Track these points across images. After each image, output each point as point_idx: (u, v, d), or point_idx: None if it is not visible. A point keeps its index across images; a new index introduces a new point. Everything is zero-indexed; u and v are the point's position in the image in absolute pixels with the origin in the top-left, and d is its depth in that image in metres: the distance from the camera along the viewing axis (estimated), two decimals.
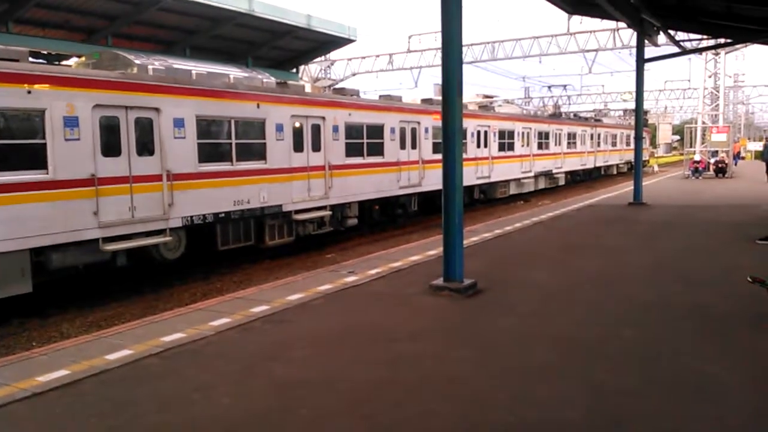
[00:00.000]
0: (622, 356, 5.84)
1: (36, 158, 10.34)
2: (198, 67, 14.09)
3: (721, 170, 32.78)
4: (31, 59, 11.06)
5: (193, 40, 24.04)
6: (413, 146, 20.43)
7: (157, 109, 12.15)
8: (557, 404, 4.81)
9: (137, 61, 12.72)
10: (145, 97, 11.99)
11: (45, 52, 19.90)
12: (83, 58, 13.57)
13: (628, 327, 6.74)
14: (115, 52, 13.45)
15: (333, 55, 37.41)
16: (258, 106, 14.39)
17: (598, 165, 40.77)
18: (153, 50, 22.11)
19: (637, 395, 4.92)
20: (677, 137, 74.54)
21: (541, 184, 31.70)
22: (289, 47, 27.94)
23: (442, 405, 4.84)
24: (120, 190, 11.51)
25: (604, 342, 6.27)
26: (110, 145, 11.39)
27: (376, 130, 18.63)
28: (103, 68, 12.21)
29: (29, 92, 10.17)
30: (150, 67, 12.76)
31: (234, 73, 14.88)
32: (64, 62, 13.52)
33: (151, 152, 12.07)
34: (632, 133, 29.02)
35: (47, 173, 10.44)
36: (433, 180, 20.34)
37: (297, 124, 15.54)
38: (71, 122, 10.73)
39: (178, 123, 12.54)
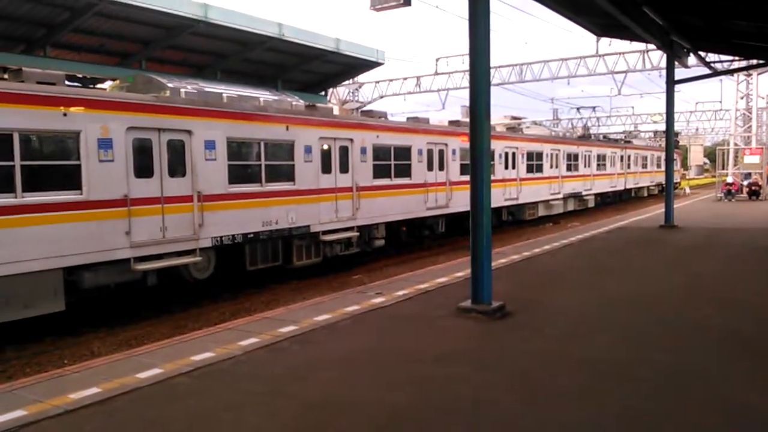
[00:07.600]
0: (654, 381, 5.72)
1: (70, 179, 10.57)
2: (229, 90, 14.33)
3: (754, 192, 32.21)
4: (66, 83, 11.33)
5: (224, 63, 24.48)
6: (440, 168, 20.43)
7: (188, 132, 12.36)
8: (586, 429, 4.73)
9: (170, 85, 12.97)
10: (178, 120, 12.22)
11: (80, 76, 20.39)
12: (117, 82, 13.89)
13: (660, 351, 6.62)
14: (148, 76, 13.73)
15: (361, 77, 37.73)
16: (287, 129, 14.56)
17: (628, 187, 40.38)
18: (185, 74, 22.58)
19: (670, 421, 4.82)
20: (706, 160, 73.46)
21: (570, 206, 31.44)
22: (318, 70, 28.27)
23: (468, 429, 4.79)
24: (152, 211, 11.69)
25: (635, 366, 6.16)
26: (143, 167, 11.60)
27: (404, 152, 18.70)
28: (136, 91, 12.47)
29: (65, 114, 10.43)
30: (182, 90, 13.02)
31: (264, 96, 15.10)
32: (98, 86, 13.88)
33: (182, 173, 12.26)
34: (663, 155, 28.69)
35: (81, 194, 10.66)
36: (460, 201, 20.31)
37: (325, 146, 15.67)
38: (105, 144, 10.97)
39: (209, 145, 12.73)
